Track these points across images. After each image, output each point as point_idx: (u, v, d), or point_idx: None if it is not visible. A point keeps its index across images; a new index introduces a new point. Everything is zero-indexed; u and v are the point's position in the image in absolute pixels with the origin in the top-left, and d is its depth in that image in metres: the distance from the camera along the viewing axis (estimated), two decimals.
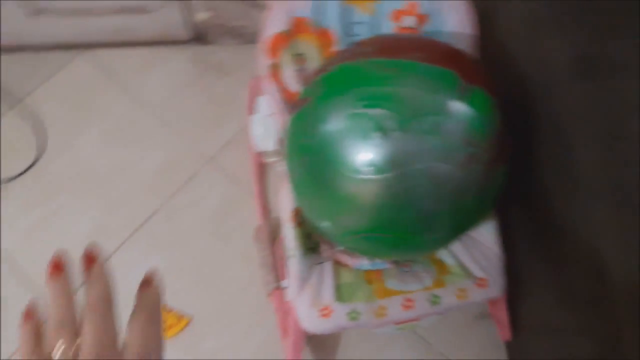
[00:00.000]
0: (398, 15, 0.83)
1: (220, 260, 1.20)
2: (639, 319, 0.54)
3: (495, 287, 0.86)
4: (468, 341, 1.13)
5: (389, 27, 0.84)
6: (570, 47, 0.64)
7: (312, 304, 0.83)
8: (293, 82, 0.82)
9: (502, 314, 1.03)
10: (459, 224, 0.69)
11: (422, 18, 0.82)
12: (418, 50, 0.63)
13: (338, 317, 0.82)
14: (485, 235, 0.90)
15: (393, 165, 0.61)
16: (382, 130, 0.60)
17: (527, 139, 0.79)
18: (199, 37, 1.30)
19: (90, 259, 0.33)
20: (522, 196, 0.86)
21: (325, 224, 0.72)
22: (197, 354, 1.14)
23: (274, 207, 1.20)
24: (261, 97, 0.84)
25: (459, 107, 0.61)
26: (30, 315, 0.33)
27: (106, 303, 0.32)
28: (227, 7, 1.17)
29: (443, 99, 0.61)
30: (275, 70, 0.82)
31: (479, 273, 0.86)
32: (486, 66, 0.82)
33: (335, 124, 0.63)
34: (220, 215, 1.23)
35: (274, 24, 0.79)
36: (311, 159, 0.66)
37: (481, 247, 0.90)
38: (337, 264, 0.91)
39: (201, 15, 1.20)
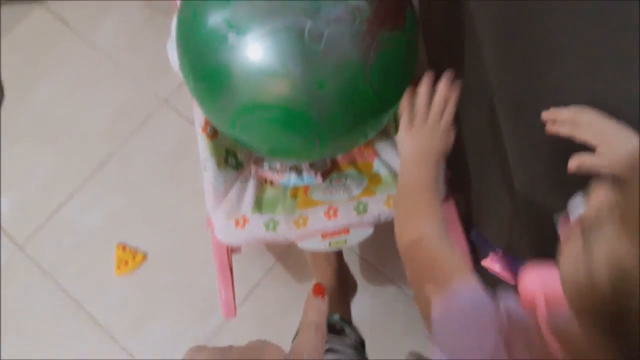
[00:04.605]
0: None
1: (175, 200, 1.18)
2: None
3: None
4: None
5: None
6: None
7: (228, 216, 0.79)
8: None
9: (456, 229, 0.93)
10: (351, 99, 0.62)
11: None
12: None
13: (254, 227, 0.78)
14: None
15: (255, 23, 0.56)
16: None
17: None
18: None
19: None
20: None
21: (214, 114, 0.68)
22: (153, 289, 1.13)
23: None
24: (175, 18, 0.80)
25: None
26: None
27: None
28: None
29: None
30: None
31: None
32: None
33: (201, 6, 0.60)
34: (175, 156, 1.20)
35: None
36: (187, 46, 0.64)
37: None
38: (262, 182, 0.86)
39: None
